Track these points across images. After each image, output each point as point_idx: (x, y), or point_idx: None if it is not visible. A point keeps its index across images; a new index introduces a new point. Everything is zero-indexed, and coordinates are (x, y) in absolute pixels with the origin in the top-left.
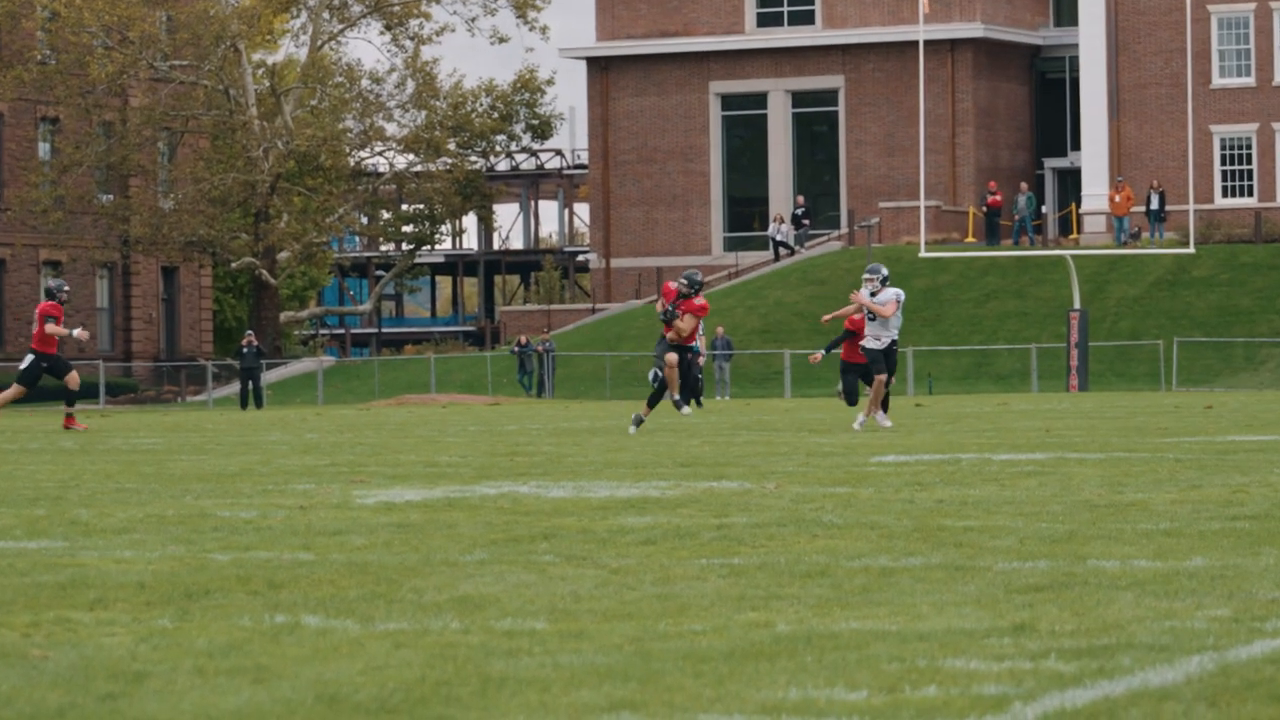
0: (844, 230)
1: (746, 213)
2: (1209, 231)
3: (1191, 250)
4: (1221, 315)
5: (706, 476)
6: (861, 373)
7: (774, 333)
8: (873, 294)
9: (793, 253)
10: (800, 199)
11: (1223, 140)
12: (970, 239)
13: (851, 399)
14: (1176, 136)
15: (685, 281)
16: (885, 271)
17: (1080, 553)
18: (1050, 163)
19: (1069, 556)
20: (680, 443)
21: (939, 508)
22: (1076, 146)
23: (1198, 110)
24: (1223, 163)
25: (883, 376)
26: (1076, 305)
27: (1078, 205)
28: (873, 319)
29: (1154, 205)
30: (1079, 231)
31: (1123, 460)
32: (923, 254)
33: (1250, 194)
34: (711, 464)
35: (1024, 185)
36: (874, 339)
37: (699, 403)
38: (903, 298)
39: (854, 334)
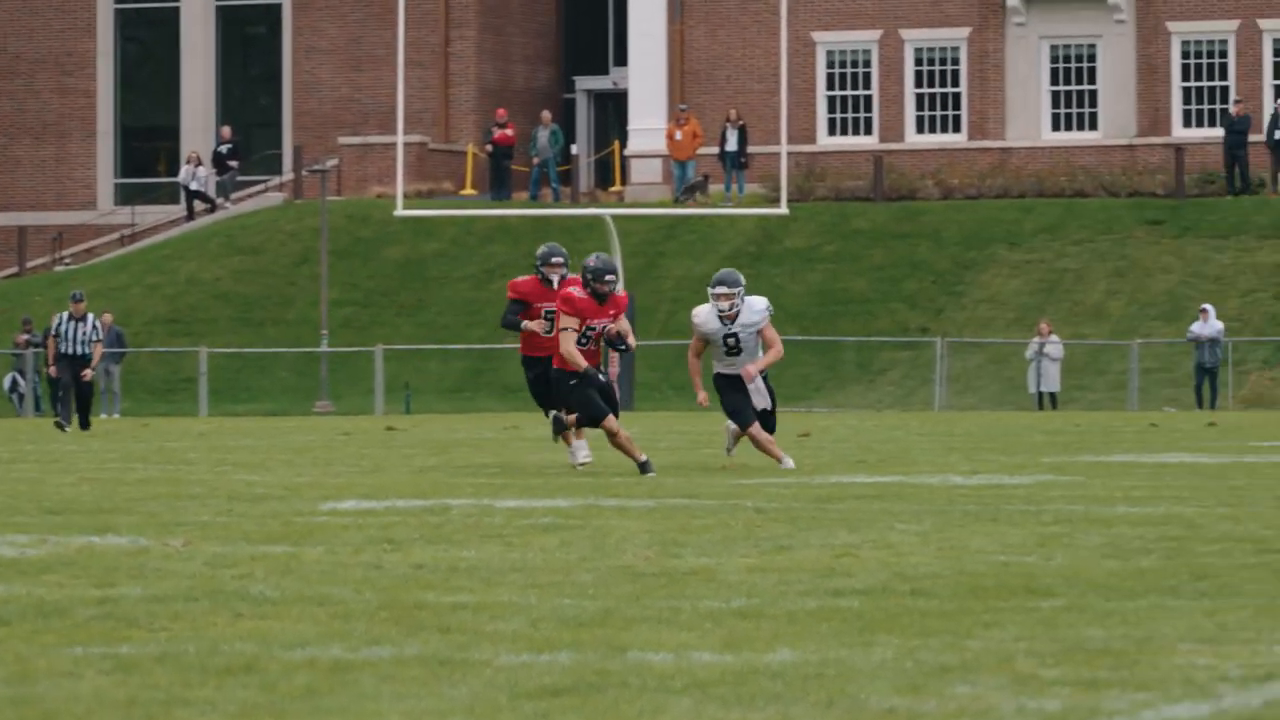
0: (288, 176)
1: (148, 150)
2: (809, 184)
3: (783, 210)
4: (825, 304)
5: (85, 529)
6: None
7: (185, 323)
8: (732, 310)
9: (214, 207)
10: (226, 131)
11: (830, 54)
12: (469, 190)
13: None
14: (765, 48)
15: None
16: (743, 279)
17: (618, 641)
18: (585, 83)
19: (603, 646)
20: (47, 479)
21: (417, 576)
22: (622, 61)
23: (795, 10)
24: (830, 86)
25: (754, 428)
26: (619, 288)
27: (622, 144)
28: (736, 352)
29: (731, 145)
30: (624, 182)
31: (680, 510)
32: (400, 212)
33: (868, 131)
34: (92, 510)
35: (546, 115)
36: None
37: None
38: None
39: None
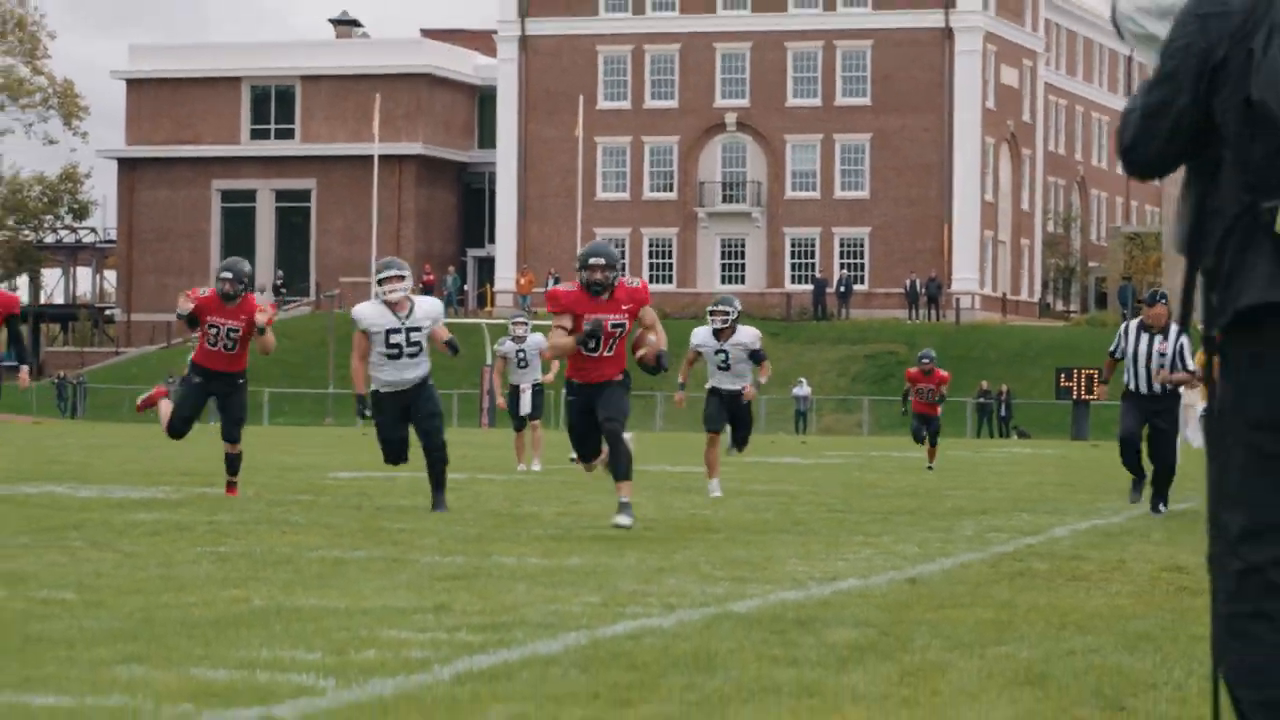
0: (313, 298)
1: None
2: None
3: None
4: None
5: (201, 483)
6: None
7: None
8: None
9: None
10: (279, 273)
11: (603, 239)
12: None
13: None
14: (568, 235)
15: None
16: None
17: (487, 550)
18: (473, 252)
19: (478, 553)
20: (183, 454)
21: (379, 514)
22: (492, 240)
23: (586, 215)
24: None
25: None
26: (490, 362)
27: (491, 285)
28: (726, 367)
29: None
30: (492, 305)
31: (522, 481)
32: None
33: None
34: (205, 474)
35: (451, 269)
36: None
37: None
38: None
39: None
